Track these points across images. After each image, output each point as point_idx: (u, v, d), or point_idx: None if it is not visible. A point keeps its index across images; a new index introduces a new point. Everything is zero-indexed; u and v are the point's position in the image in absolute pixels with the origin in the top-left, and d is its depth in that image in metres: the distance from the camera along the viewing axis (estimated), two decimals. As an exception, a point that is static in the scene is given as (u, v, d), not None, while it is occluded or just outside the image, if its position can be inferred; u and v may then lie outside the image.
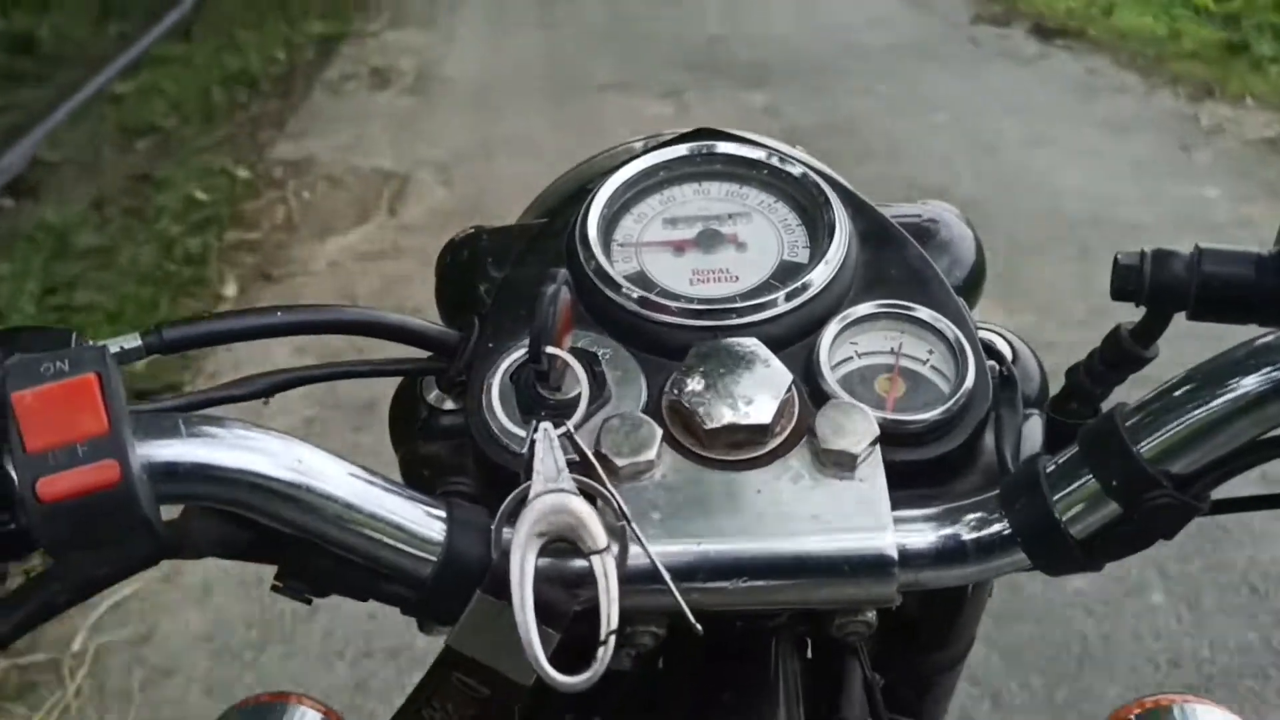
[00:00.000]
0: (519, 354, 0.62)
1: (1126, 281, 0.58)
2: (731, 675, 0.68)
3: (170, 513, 0.51)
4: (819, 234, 0.67)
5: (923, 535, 0.56)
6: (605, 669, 0.51)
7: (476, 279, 0.72)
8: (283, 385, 0.62)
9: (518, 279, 0.67)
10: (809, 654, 0.79)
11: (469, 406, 0.62)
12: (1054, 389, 0.71)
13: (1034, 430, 0.66)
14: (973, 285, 0.71)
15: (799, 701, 0.68)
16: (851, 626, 0.60)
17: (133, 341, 0.58)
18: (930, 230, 0.71)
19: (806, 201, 0.69)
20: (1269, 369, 0.49)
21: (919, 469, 0.60)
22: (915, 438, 0.60)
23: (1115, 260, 0.58)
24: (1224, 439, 0.51)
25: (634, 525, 0.54)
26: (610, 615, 0.51)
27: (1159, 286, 0.57)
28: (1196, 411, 0.51)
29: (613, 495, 0.54)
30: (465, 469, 0.64)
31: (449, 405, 0.69)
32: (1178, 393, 0.52)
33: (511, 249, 0.71)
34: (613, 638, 0.51)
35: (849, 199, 0.70)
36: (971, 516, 0.56)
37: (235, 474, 0.50)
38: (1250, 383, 0.50)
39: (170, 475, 0.49)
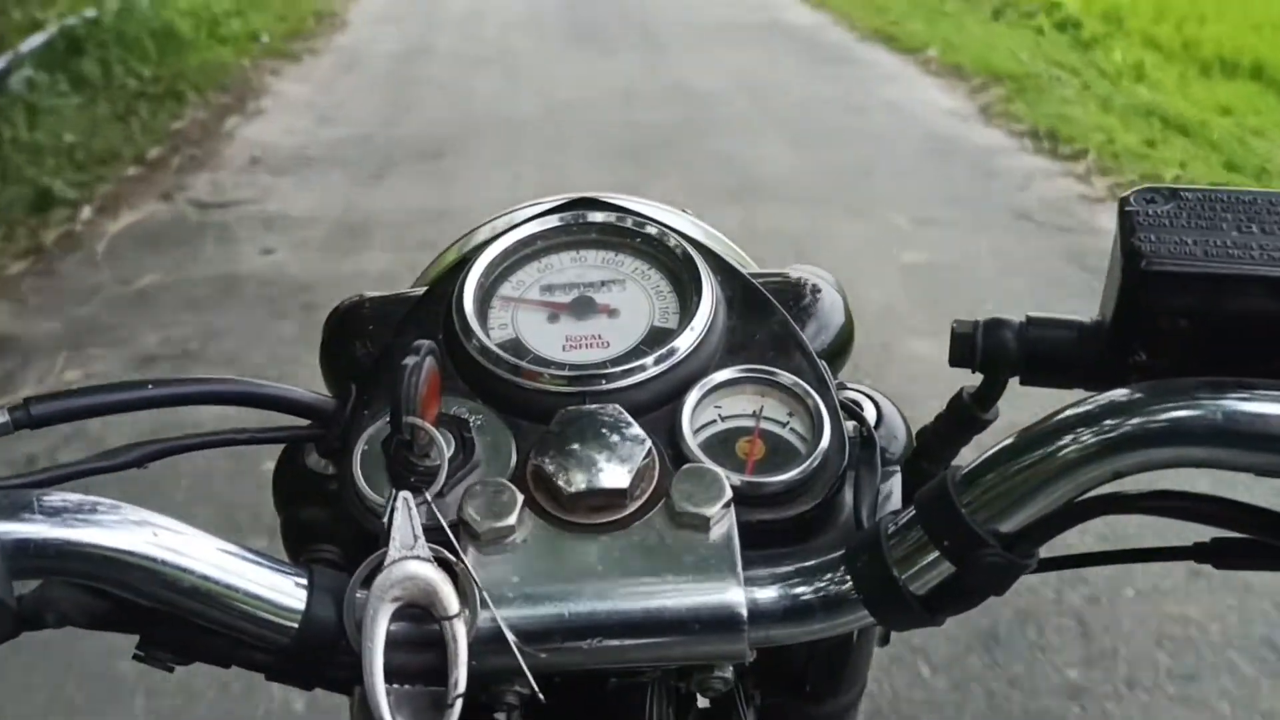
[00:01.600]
0: (386, 423, 0.64)
1: (962, 349, 0.60)
2: None
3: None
4: (689, 300, 0.70)
5: (771, 593, 0.58)
6: None
7: (358, 347, 0.74)
8: (157, 454, 0.63)
9: (394, 348, 0.69)
10: (698, 705, 0.81)
11: (340, 474, 0.64)
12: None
13: (894, 487, 0.69)
14: (839, 349, 0.74)
15: None
16: (709, 682, 0.62)
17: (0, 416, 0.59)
18: (799, 295, 0.74)
19: (678, 268, 0.72)
20: (1084, 432, 0.52)
21: (776, 528, 0.62)
22: (773, 498, 0.62)
23: (952, 329, 0.61)
24: (1046, 499, 0.54)
25: (483, 591, 0.56)
26: (458, 679, 0.53)
27: (991, 353, 0.60)
28: (1020, 473, 0.53)
29: (462, 562, 0.56)
30: (340, 535, 0.66)
31: (330, 471, 0.71)
32: (1003, 455, 0.54)
33: (391, 316, 0.73)
34: (459, 701, 0.53)
35: (719, 265, 0.72)
36: (818, 575, 0.59)
37: (89, 549, 0.52)
38: (1068, 445, 0.52)
39: (23, 552, 0.50)
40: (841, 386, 0.71)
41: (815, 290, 0.75)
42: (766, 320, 0.70)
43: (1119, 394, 0.53)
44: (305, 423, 0.68)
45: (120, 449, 0.62)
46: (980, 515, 0.55)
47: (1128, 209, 0.55)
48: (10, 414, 0.59)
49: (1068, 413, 0.53)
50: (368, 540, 0.62)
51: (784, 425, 0.65)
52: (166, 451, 0.63)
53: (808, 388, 0.66)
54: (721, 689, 0.62)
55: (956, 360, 0.61)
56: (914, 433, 0.70)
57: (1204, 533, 0.57)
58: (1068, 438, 0.52)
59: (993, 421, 0.64)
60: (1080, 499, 0.54)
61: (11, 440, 0.60)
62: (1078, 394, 0.56)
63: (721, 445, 0.64)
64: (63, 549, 0.51)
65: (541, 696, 0.57)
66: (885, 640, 0.89)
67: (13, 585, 0.49)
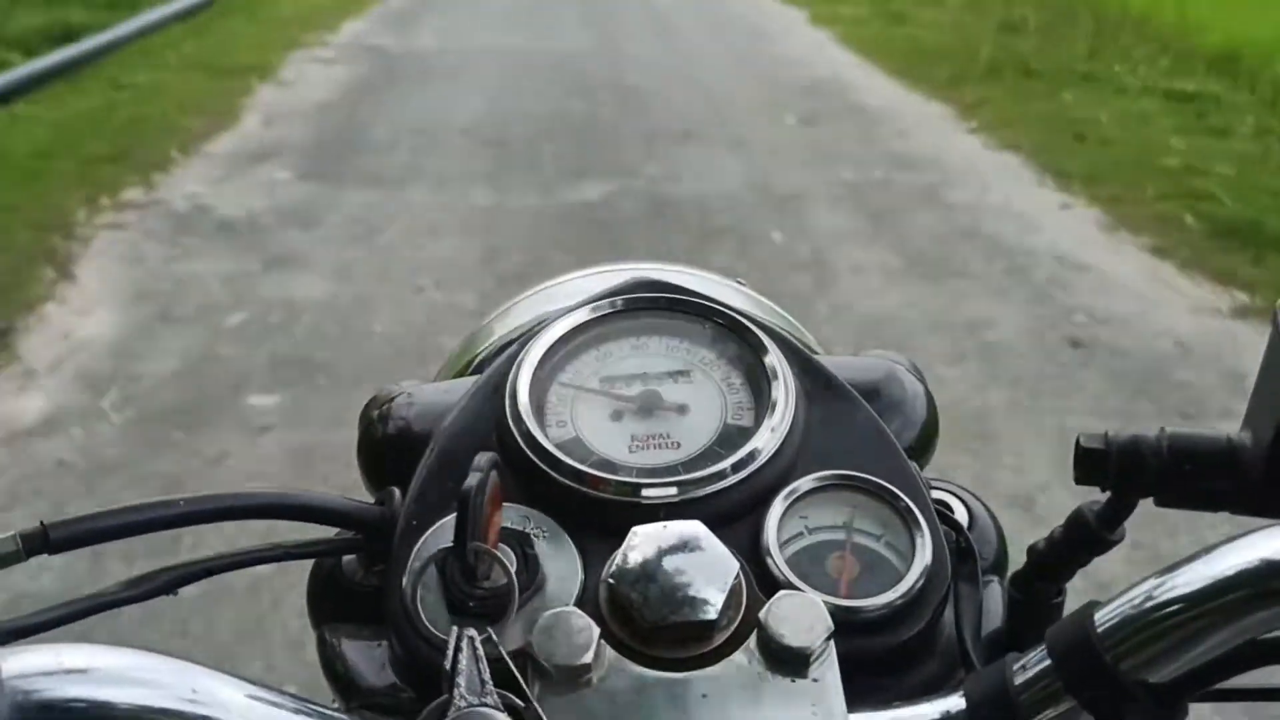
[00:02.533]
0: (443, 540, 0.57)
1: (1091, 467, 0.54)
2: None
3: None
4: (763, 394, 0.64)
5: None
6: None
7: (401, 443, 0.67)
8: (187, 578, 0.57)
9: (445, 449, 0.63)
10: None
11: (388, 598, 0.57)
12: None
13: (994, 600, 0.63)
14: (924, 445, 0.68)
15: None
16: None
17: (8, 546, 0.53)
18: (879, 387, 0.68)
19: (749, 358, 0.66)
20: (1254, 571, 0.46)
21: (875, 657, 0.56)
22: (871, 625, 0.56)
23: (1077, 443, 0.55)
24: (1206, 646, 0.48)
25: None
26: None
27: (1124, 472, 0.54)
28: (1175, 617, 0.47)
29: (534, 708, 0.50)
30: (385, 655, 0.60)
31: (372, 583, 0.64)
32: (1154, 594, 0.48)
33: (438, 410, 0.67)
34: None
35: (794, 354, 0.66)
36: None
37: (123, 711, 0.45)
38: (1232, 585, 0.46)
39: (47, 716, 0.44)
40: (929, 486, 0.65)
41: (896, 379, 0.69)
42: (850, 416, 0.64)
43: None
44: (346, 534, 0.62)
45: (148, 575, 0.55)
46: (1126, 664, 0.48)
47: None
48: (21, 541, 0.53)
49: (1234, 546, 0.47)
50: (418, 670, 0.55)
51: (878, 538, 0.59)
52: (198, 574, 0.57)
53: (901, 495, 0.60)
54: None
55: (1084, 478, 0.55)
56: (1022, 546, 0.64)
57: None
58: (1233, 576, 0.46)
59: (1118, 543, 0.58)
60: (1247, 641, 0.48)
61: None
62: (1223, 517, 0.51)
63: (810, 562, 0.58)
64: (93, 712, 0.44)
65: None
66: None
67: None
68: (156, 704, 0.46)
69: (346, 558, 0.66)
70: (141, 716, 0.46)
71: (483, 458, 0.54)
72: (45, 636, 0.51)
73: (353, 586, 0.64)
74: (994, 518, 0.68)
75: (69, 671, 0.45)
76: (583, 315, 0.68)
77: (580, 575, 0.57)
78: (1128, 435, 0.54)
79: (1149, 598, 0.48)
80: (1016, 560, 0.66)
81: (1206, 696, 0.54)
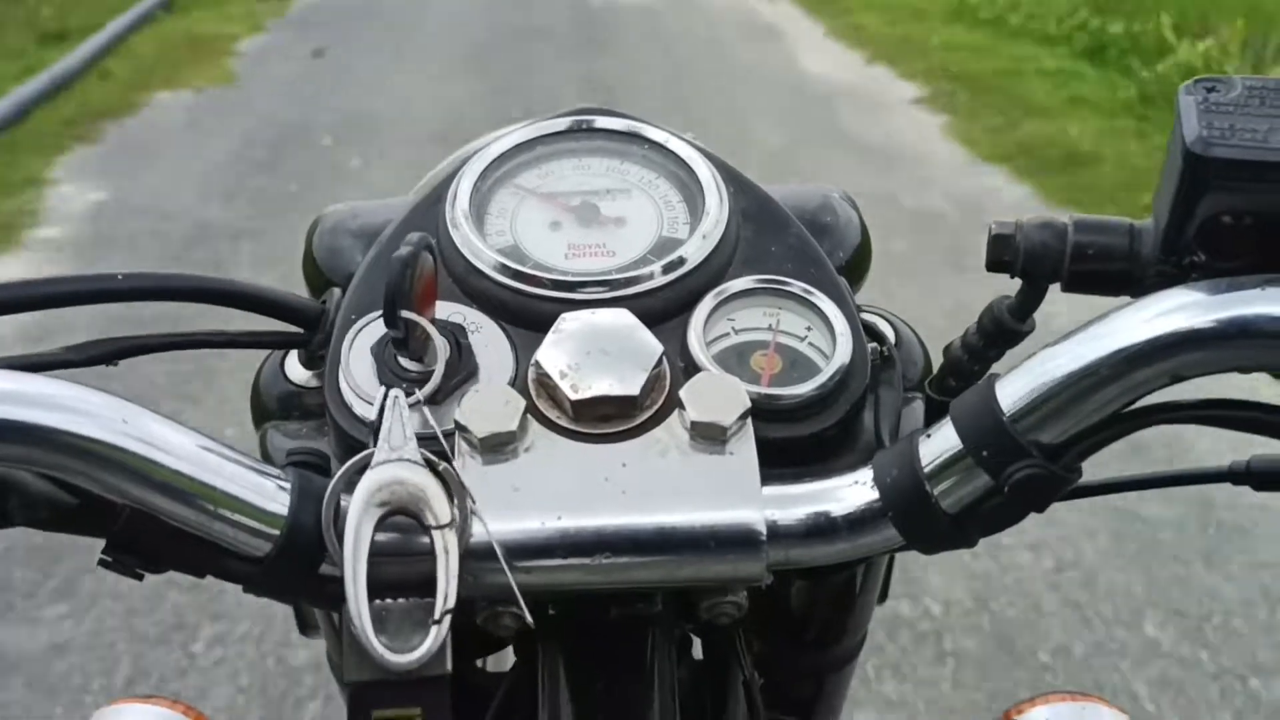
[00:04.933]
0: (380, 332, 0.59)
1: (1001, 252, 0.56)
2: (605, 666, 0.65)
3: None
4: (699, 210, 0.66)
5: (793, 510, 0.54)
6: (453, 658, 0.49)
7: (344, 254, 0.69)
8: (128, 351, 0.58)
9: (384, 251, 0.64)
10: (693, 655, 0.77)
11: (326, 379, 0.59)
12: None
13: (915, 413, 0.65)
14: (856, 267, 0.70)
15: (674, 696, 0.66)
16: (721, 608, 0.58)
17: None
18: (813, 210, 0.70)
19: (687, 178, 0.67)
20: (1140, 331, 0.48)
21: (794, 446, 0.58)
22: (790, 413, 0.58)
23: (990, 230, 0.57)
24: (1095, 407, 0.50)
25: (474, 500, 0.51)
26: (448, 593, 0.49)
27: (1033, 258, 0.56)
28: (1065, 378, 0.49)
29: (450, 468, 0.51)
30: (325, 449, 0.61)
31: (313, 384, 0.66)
32: (1048, 360, 0.50)
33: (380, 223, 0.68)
34: (448, 617, 0.48)
35: (732, 177, 0.68)
36: (843, 491, 0.55)
37: (55, 435, 0.47)
38: (1121, 346, 0.48)
39: None
40: (859, 309, 0.67)
41: (829, 205, 0.71)
42: (782, 233, 0.66)
43: (1177, 291, 0.49)
44: (289, 328, 0.63)
45: (89, 344, 0.57)
46: (1022, 424, 0.51)
47: (1187, 95, 0.51)
48: None
49: (1120, 312, 0.49)
50: (349, 445, 0.57)
51: (802, 340, 0.61)
52: (138, 349, 0.58)
53: (827, 299, 0.62)
54: (735, 615, 0.58)
55: (994, 265, 0.56)
56: (941, 349, 0.66)
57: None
58: (1121, 338, 0.48)
59: (1028, 334, 0.60)
60: (1130, 408, 0.50)
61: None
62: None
63: (736, 358, 0.60)
64: (26, 434, 0.46)
65: (530, 619, 0.52)
66: (884, 597, 0.86)
67: None
68: (90, 433, 0.47)
69: (289, 361, 0.67)
70: (73, 443, 0.47)
71: (414, 235, 0.55)
72: None
73: (294, 386, 0.66)
74: (922, 343, 0.70)
75: (4, 393, 0.46)
76: (525, 134, 0.69)
77: (513, 365, 0.59)
78: (1036, 222, 0.56)
79: (1044, 364, 0.50)
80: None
81: (1085, 490, 0.56)
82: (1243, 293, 0.47)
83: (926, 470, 0.53)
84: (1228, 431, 0.53)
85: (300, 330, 0.63)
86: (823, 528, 0.54)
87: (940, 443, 0.53)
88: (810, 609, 0.80)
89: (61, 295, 0.56)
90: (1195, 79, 0.52)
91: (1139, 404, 0.50)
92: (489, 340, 0.60)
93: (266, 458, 0.65)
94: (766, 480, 0.54)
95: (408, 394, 0.54)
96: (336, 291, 0.64)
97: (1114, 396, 0.49)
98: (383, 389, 0.54)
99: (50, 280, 0.56)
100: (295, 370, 0.67)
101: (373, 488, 0.50)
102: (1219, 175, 0.49)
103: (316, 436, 0.63)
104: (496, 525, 0.52)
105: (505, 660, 0.73)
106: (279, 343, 0.64)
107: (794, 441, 0.58)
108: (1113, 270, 0.54)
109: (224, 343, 0.62)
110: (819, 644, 0.82)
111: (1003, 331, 0.60)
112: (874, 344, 0.64)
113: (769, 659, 0.81)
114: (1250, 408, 0.52)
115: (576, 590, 0.55)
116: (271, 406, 0.66)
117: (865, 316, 0.67)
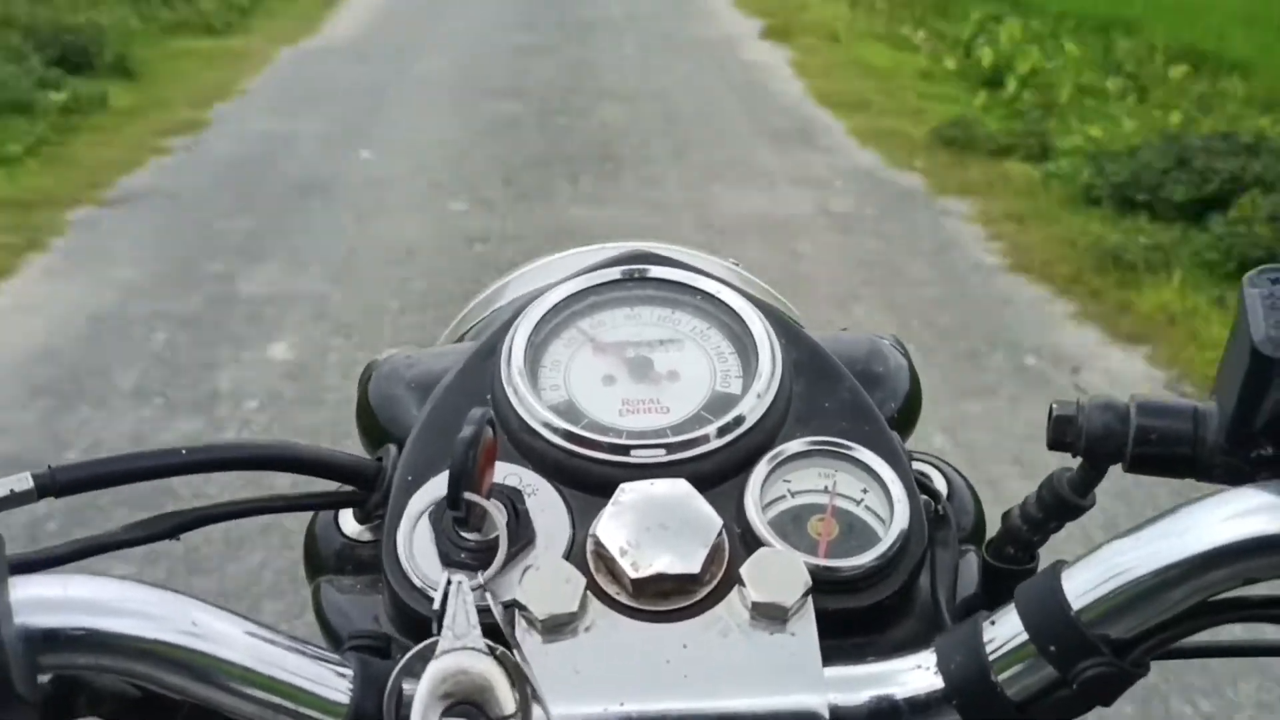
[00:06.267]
0: (437, 494, 0.59)
1: (1063, 434, 0.56)
2: None
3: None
4: (751, 364, 0.66)
5: (855, 695, 0.54)
6: None
7: (398, 405, 0.69)
8: (189, 524, 0.59)
9: (441, 408, 0.65)
10: None
11: (384, 548, 0.59)
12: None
13: (969, 569, 0.65)
14: (907, 417, 0.70)
15: None
16: None
17: (23, 484, 0.54)
18: (864, 360, 0.70)
19: (739, 329, 0.68)
20: (1215, 532, 0.48)
21: (853, 616, 0.58)
22: (849, 584, 0.58)
23: (1050, 410, 0.57)
24: (1163, 605, 0.49)
25: (540, 691, 0.51)
26: None
27: (1095, 440, 0.55)
28: (1137, 574, 0.49)
29: (519, 658, 0.51)
30: (379, 607, 0.61)
31: (367, 538, 0.66)
32: (1118, 554, 0.50)
33: (435, 373, 0.68)
34: None
35: (783, 327, 0.68)
36: (906, 675, 0.54)
37: (125, 641, 0.47)
38: (1192, 545, 0.48)
39: (51, 644, 0.46)
40: (910, 457, 0.67)
41: (880, 353, 0.71)
42: (834, 387, 0.66)
43: (1251, 491, 0.48)
44: (343, 488, 0.64)
45: (151, 519, 0.57)
46: (1091, 619, 0.50)
47: (1252, 289, 0.51)
48: (34, 480, 0.55)
49: (1193, 510, 0.49)
50: (410, 620, 0.57)
51: (858, 503, 0.61)
52: (199, 521, 0.59)
53: (882, 461, 0.62)
54: None
55: (1055, 444, 0.56)
56: (996, 513, 0.65)
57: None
58: (1196, 539, 0.48)
59: (1088, 509, 0.60)
60: (1206, 601, 0.50)
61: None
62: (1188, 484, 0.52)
63: (792, 522, 0.60)
64: (95, 640, 0.46)
65: None
66: None
67: (37, 679, 0.45)
68: (157, 635, 0.48)
69: (343, 514, 0.67)
70: (142, 647, 0.47)
71: (476, 412, 0.56)
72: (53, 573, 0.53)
73: (348, 540, 0.66)
74: (973, 490, 0.70)
75: (75, 601, 0.47)
76: (578, 284, 0.70)
77: (569, 531, 0.59)
78: (1099, 403, 0.56)
79: (1114, 557, 0.50)
80: (994, 531, 0.68)
81: (1165, 655, 0.56)
82: None
83: (992, 659, 0.52)
84: None
85: (356, 490, 0.64)
86: (885, 713, 0.54)
87: (1006, 629, 0.53)
88: None
89: (128, 473, 0.57)
90: (1260, 269, 0.52)
91: (1210, 599, 0.50)
92: (545, 504, 0.60)
93: (320, 614, 0.65)
94: (825, 654, 0.54)
95: (469, 574, 0.55)
96: (393, 449, 0.65)
97: (1186, 595, 0.49)
98: (445, 574, 0.54)
99: (117, 459, 0.57)
100: (349, 524, 0.67)
101: (438, 679, 0.50)
102: None
103: (370, 592, 0.64)
104: (559, 710, 0.52)
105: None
106: (337, 503, 0.65)
107: (853, 612, 0.58)
108: (1177, 454, 0.54)
109: (283, 507, 0.62)
110: None
111: (1063, 505, 0.60)
112: (927, 498, 0.64)
113: None
114: None
115: None
116: (327, 561, 0.67)
117: (917, 466, 0.67)
